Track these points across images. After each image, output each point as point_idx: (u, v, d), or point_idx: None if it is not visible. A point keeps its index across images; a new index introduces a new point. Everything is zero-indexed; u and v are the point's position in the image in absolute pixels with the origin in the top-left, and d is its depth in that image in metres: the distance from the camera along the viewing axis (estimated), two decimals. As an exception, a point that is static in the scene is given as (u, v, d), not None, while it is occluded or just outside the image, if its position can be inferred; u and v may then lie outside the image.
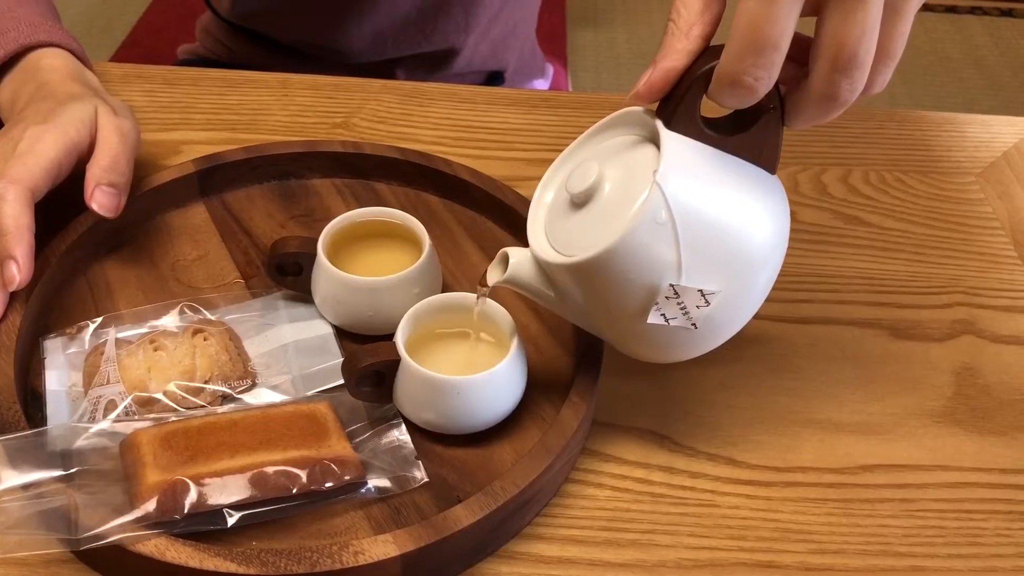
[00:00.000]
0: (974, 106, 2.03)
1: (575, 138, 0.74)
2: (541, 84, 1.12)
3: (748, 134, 0.44)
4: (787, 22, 0.38)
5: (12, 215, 0.50)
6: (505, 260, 0.48)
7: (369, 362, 0.48)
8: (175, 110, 0.73)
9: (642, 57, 2.12)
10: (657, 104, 0.44)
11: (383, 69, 0.94)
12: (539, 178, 0.70)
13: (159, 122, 0.72)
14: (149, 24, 1.72)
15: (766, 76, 0.40)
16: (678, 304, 0.43)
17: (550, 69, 1.15)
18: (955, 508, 0.50)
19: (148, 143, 0.69)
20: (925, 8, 2.33)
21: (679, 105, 0.42)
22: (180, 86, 0.76)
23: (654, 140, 0.44)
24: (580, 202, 0.45)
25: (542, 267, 0.47)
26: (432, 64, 0.95)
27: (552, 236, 0.47)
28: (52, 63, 0.61)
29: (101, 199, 0.53)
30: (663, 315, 0.44)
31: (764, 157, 0.45)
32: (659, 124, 0.43)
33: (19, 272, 0.50)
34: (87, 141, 0.55)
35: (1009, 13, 2.35)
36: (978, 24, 2.31)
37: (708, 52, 0.42)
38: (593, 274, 0.44)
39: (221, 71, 0.78)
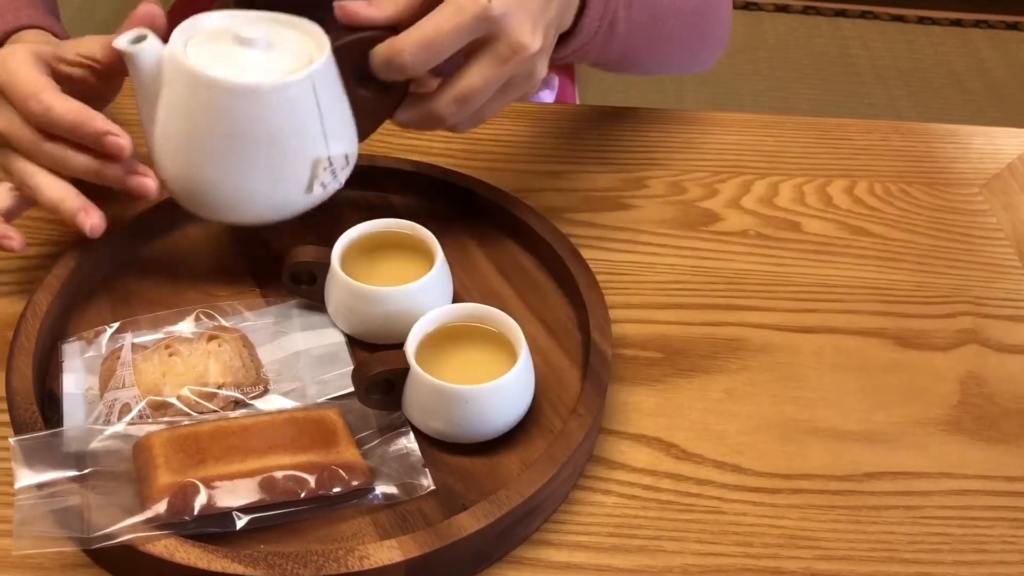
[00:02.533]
0: (979, 118, 2.04)
1: (583, 150, 0.75)
2: (547, 96, 1.13)
3: (370, 96, 0.56)
4: (455, 42, 0.51)
5: (70, 107, 0.51)
6: (141, 38, 0.51)
7: (378, 370, 0.49)
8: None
9: (649, 71, 2.13)
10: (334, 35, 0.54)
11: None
12: (549, 189, 0.71)
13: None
14: (170, 20, 1.72)
15: (418, 67, 0.52)
16: (331, 171, 0.55)
17: (555, 80, 1.15)
18: (960, 515, 0.51)
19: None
20: (931, 22, 2.34)
21: (348, 42, 0.53)
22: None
23: (318, 47, 0.54)
24: (241, 44, 0.52)
25: (170, 69, 0.51)
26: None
27: (194, 56, 0.52)
28: (28, 39, 0.62)
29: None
30: (322, 184, 0.55)
31: (363, 118, 0.57)
32: (328, 41, 0.54)
33: (121, 136, 0.51)
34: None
35: (1015, 27, 2.35)
36: (983, 37, 2.32)
37: (390, 27, 0.53)
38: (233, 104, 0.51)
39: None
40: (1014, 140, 0.79)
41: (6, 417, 0.49)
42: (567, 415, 0.51)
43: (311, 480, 0.46)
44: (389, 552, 0.43)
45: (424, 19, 0.51)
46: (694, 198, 0.71)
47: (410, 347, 0.50)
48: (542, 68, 0.55)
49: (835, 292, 0.64)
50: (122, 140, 0.51)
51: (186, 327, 0.54)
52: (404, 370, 0.49)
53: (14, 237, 0.54)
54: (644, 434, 0.54)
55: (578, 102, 1.35)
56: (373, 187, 0.67)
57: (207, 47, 0.52)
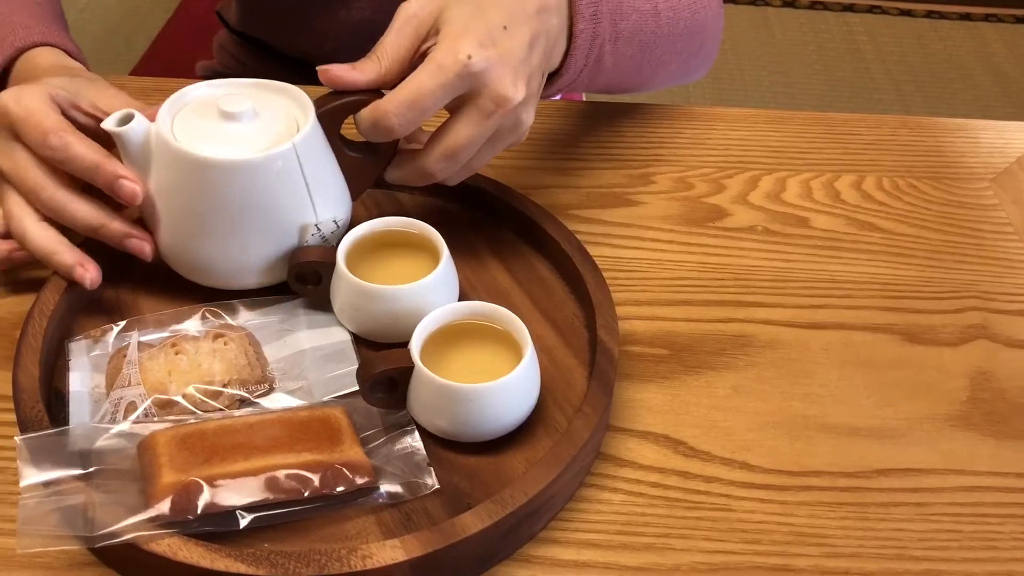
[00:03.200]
0: (989, 112, 2.03)
1: (589, 146, 0.74)
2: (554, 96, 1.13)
3: (358, 157, 0.57)
4: (438, 101, 0.51)
5: (89, 147, 0.52)
6: (128, 118, 0.52)
7: (382, 368, 0.49)
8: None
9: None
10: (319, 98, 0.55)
11: None
12: (555, 186, 0.71)
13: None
14: (168, 39, 1.73)
15: (404, 128, 0.52)
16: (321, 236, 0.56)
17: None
18: (971, 512, 0.50)
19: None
20: (939, 16, 2.33)
21: (332, 107, 0.54)
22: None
23: (303, 113, 0.55)
24: (225, 119, 0.53)
25: (158, 148, 0.52)
26: None
27: (181, 132, 0.53)
28: (42, 61, 0.62)
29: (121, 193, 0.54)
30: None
31: (353, 179, 0.58)
32: (312, 107, 0.55)
33: (136, 183, 0.52)
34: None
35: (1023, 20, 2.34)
36: (993, 31, 2.30)
37: (374, 90, 0.54)
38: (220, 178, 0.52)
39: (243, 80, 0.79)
40: (1023, 134, 0.79)
41: (12, 416, 0.49)
42: (573, 414, 0.51)
43: (315, 479, 0.46)
44: (393, 551, 0.43)
45: (407, 80, 0.51)
46: (701, 194, 0.71)
47: (415, 345, 0.50)
48: (528, 116, 0.55)
49: (843, 288, 0.64)
50: (137, 187, 0.52)
51: (192, 326, 0.54)
52: (408, 368, 0.49)
53: (88, 268, 0.54)
54: (651, 431, 0.53)
55: (584, 98, 1.35)
56: (379, 185, 0.66)
57: (193, 122, 0.53)
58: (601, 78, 0.65)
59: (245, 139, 0.53)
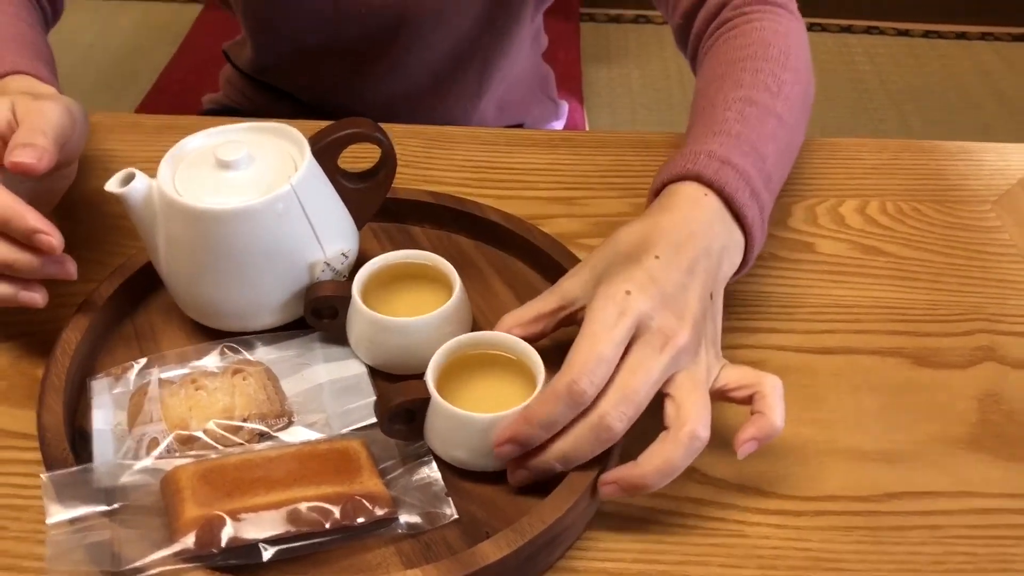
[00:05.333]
0: (988, 130, 2.04)
1: (595, 176, 0.76)
2: (557, 124, 1.14)
3: (359, 188, 0.59)
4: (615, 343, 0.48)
5: (7, 199, 0.50)
6: (130, 178, 0.53)
7: (399, 401, 0.50)
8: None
9: (655, 92, 2.15)
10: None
11: None
12: (563, 216, 0.72)
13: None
14: (174, 73, 1.75)
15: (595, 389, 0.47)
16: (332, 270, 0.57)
17: (565, 107, 1.17)
18: (984, 534, 0.51)
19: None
20: (936, 35, 2.35)
21: (328, 143, 0.56)
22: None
23: (299, 152, 0.56)
24: (223, 168, 0.54)
25: (162, 203, 0.53)
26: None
27: (181, 185, 0.54)
28: (11, 85, 0.62)
29: (16, 158, 0.51)
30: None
31: (357, 210, 0.60)
32: (307, 145, 0.56)
33: (52, 235, 0.50)
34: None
35: (1020, 38, 2.36)
36: (989, 49, 2.32)
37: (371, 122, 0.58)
38: (222, 226, 0.53)
39: (248, 122, 0.80)
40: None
41: (36, 455, 0.49)
42: (588, 441, 0.51)
43: (336, 511, 0.47)
44: (414, 581, 0.43)
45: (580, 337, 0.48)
46: (707, 221, 0.71)
47: (430, 376, 0.51)
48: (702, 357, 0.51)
49: (851, 312, 0.64)
50: (53, 240, 0.51)
51: (211, 361, 0.55)
52: (425, 400, 0.50)
53: (38, 292, 0.53)
54: (665, 458, 0.54)
55: (587, 126, 1.37)
56: (392, 218, 0.68)
57: (193, 174, 0.54)
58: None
59: (245, 185, 0.54)
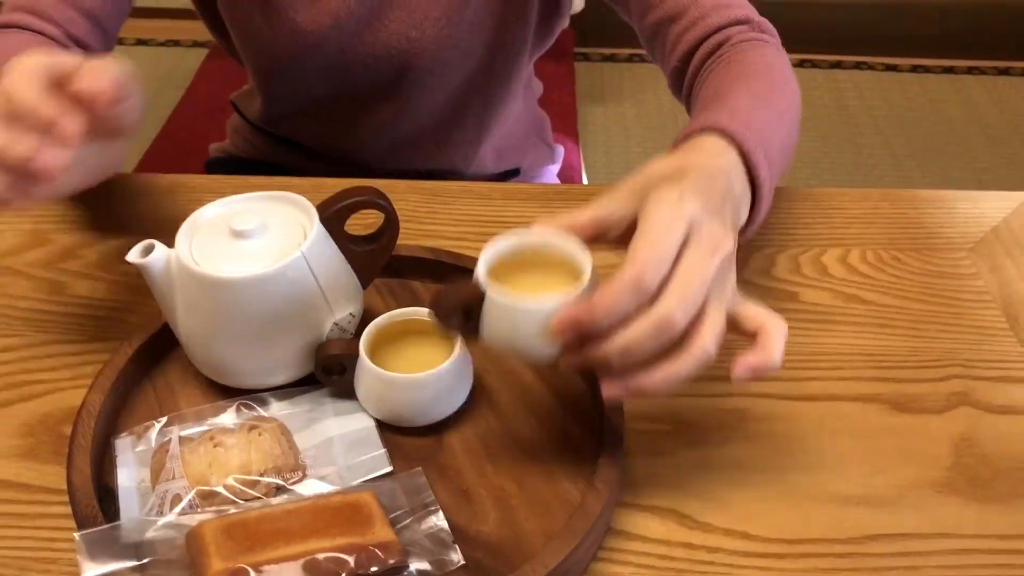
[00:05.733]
0: (976, 163, 2.08)
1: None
2: (553, 168, 1.18)
3: (363, 251, 0.63)
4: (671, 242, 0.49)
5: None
6: (149, 249, 0.56)
7: (455, 299, 0.52)
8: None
9: (651, 130, 2.20)
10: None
11: (403, 177, 1.01)
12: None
13: (205, 228, 0.78)
14: (180, 120, 1.80)
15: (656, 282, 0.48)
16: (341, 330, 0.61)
17: (560, 151, 1.21)
18: (958, 574, 0.54)
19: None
20: (924, 70, 2.40)
21: (336, 210, 0.60)
22: (224, 193, 0.82)
23: (308, 219, 0.60)
24: (237, 237, 0.58)
25: (179, 272, 0.57)
26: (448, 173, 1.02)
27: (198, 254, 0.57)
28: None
29: (84, 85, 0.50)
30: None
31: (362, 271, 0.64)
32: (315, 213, 0.60)
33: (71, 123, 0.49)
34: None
35: (1006, 72, 2.41)
36: (976, 83, 2.38)
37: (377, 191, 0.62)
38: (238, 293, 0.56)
39: (263, 178, 0.85)
40: (997, 203, 0.84)
41: (63, 508, 0.53)
42: (585, 487, 0.55)
43: (350, 560, 0.50)
44: (424, 628, 0.46)
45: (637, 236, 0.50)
46: (696, 272, 0.75)
47: (482, 274, 0.52)
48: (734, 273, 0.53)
49: (833, 360, 0.68)
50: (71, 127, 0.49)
51: (228, 419, 0.59)
52: (481, 296, 0.51)
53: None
54: (657, 505, 0.57)
55: (583, 167, 1.41)
56: (394, 274, 0.71)
57: (208, 243, 0.58)
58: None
59: (258, 253, 0.57)
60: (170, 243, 0.58)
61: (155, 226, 0.77)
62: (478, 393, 0.62)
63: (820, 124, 2.22)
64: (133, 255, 0.57)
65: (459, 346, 0.59)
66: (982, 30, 2.46)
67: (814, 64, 2.42)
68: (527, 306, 0.50)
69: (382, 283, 0.71)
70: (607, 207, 0.54)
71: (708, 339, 0.49)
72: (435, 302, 0.53)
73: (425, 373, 0.58)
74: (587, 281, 0.51)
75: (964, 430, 0.63)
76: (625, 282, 0.48)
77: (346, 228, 0.62)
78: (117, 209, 0.80)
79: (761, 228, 0.79)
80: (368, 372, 0.58)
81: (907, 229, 0.80)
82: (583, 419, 0.61)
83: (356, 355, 0.59)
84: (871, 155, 2.13)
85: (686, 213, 0.50)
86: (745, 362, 0.51)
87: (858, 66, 2.43)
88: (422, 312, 0.62)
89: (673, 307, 0.48)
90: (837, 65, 2.43)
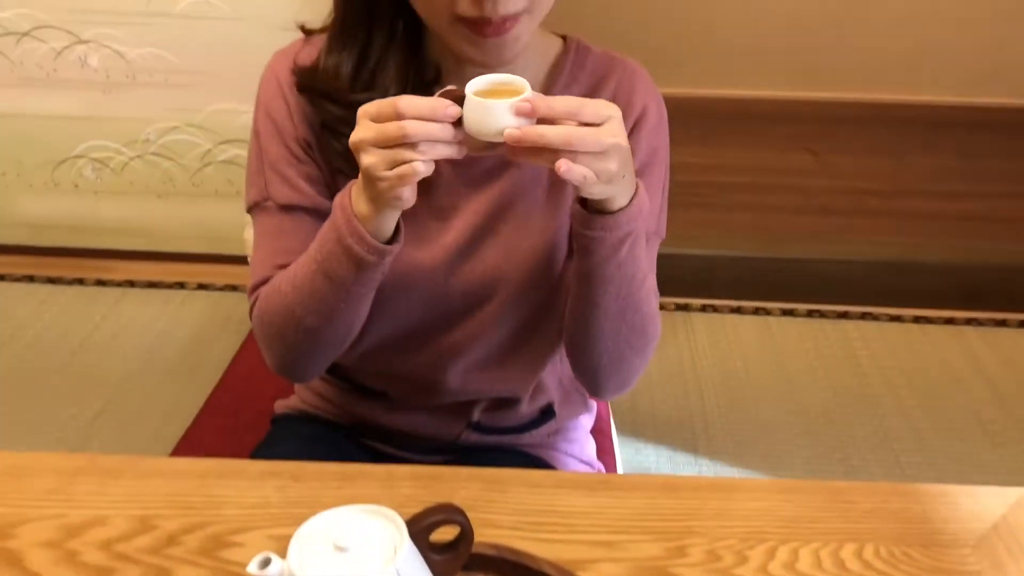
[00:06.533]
0: (980, 415, 2.18)
1: (629, 519, 0.89)
2: (587, 417, 1.28)
3: (444, 559, 0.75)
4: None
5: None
6: (267, 562, 0.65)
7: (451, 97, 0.80)
8: (303, 504, 0.90)
9: (672, 376, 2.33)
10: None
11: (464, 411, 1.12)
12: (602, 560, 0.84)
13: (290, 517, 0.88)
14: (239, 369, 1.92)
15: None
16: None
17: (593, 403, 1.31)
18: None
19: (284, 537, 0.84)
20: (926, 320, 2.56)
21: (423, 527, 0.72)
22: (306, 481, 0.93)
23: (399, 534, 0.70)
24: (339, 551, 0.67)
25: None
26: (501, 405, 1.13)
27: (308, 567, 0.67)
28: None
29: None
30: None
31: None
32: (405, 528, 0.70)
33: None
34: None
35: (1003, 323, 2.57)
36: (975, 334, 2.52)
37: (456, 508, 0.75)
38: None
39: (339, 465, 0.96)
40: (997, 500, 0.93)
41: None
42: None
43: None
44: None
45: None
46: (728, 565, 0.84)
47: (467, 88, 0.79)
48: (613, 141, 0.79)
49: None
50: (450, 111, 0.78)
51: None
52: (461, 96, 0.79)
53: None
54: None
55: (612, 418, 1.52)
56: (463, 568, 0.80)
57: (315, 556, 0.68)
58: (628, 268, 0.91)
59: (356, 564, 0.67)
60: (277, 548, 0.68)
61: (240, 514, 0.87)
62: None
63: (831, 375, 2.34)
64: (252, 567, 0.67)
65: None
66: (979, 286, 2.65)
67: (822, 315, 2.59)
68: (491, 101, 0.77)
69: (450, 575, 0.80)
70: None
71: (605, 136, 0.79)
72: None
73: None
74: (528, 94, 0.77)
75: None
76: (574, 100, 0.78)
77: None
78: (207, 493, 0.90)
79: (782, 520, 0.89)
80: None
81: (915, 524, 0.90)
82: None
83: None
84: (880, 405, 2.23)
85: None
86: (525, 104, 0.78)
87: (864, 316, 2.59)
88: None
89: (604, 134, 0.78)
90: (844, 315, 2.59)
